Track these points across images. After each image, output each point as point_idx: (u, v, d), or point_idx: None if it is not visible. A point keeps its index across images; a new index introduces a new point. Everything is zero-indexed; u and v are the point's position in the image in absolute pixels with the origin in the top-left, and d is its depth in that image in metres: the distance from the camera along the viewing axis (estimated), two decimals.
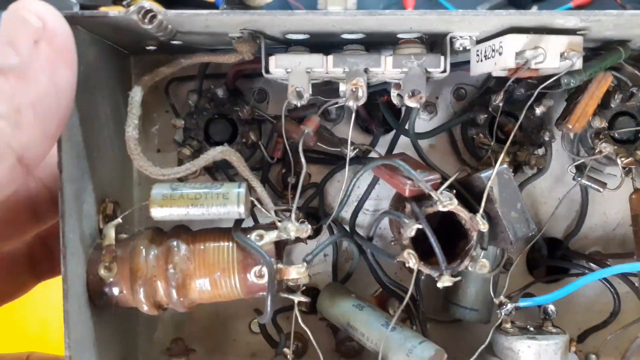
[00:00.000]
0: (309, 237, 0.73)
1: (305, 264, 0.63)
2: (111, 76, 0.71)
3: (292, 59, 0.63)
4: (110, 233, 0.64)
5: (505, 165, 0.63)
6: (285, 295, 0.65)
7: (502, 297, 0.71)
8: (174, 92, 0.78)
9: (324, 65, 0.63)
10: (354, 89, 0.62)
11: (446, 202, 0.60)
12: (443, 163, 0.78)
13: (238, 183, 0.63)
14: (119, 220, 0.65)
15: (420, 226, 0.60)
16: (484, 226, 0.60)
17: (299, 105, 0.62)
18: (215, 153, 0.60)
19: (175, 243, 0.63)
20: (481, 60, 0.67)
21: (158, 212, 0.62)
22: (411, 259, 0.61)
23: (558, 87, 0.66)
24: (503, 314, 0.69)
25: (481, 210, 0.61)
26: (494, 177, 0.62)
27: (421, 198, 0.63)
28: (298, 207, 0.68)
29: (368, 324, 0.66)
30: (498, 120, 0.73)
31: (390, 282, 0.73)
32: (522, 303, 0.68)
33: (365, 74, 0.62)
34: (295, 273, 0.62)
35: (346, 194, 0.69)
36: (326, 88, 0.72)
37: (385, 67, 0.63)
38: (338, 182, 0.80)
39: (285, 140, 0.71)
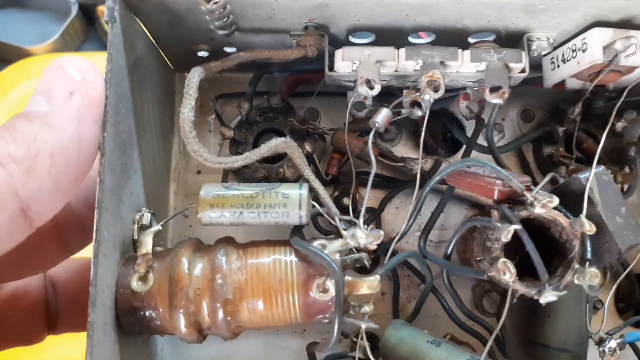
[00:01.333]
0: (366, 270, 0.64)
1: (377, 276, 0.53)
2: (157, 84, 0.66)
3: (360, 50, 0.58)
4: (148, 240, 0.55)
5: (602, 167, 0.56)
6: (351, 321, 0.54)
7: (601, 333, 0.59)
8: (220, 111, 0.72)
9: (395, 58, 0.58)
10: (429, 82, 0.56)
11: (545, 201, 0.51)
12: None
13: (299, 184, 0.55)
14: (159, 227, 0.56)
15: (517, 226, 0.51)
16: (590, 227, 0.51)
17: (368, 97, 0.56)
18: (278, 142, 0.53)
19: (224, 250, 0.54)
20: (558, 67, 0.63)
21: (207, 215, 0.53)
22: (507, 270, 0.51)
23: None
24: (607, 351, 0.57)
25: (584, 211, 0.52)
26: (593, 178, 0.54)
27: (510, 206, 0.55)
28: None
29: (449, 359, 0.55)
30: (576, 135, 0.66)
31: (469, 314, 0.61)
32: (630, 338, 0.57)
33: (441, 66, 0.57)
34: (367, 287, 0.52)
35: (415, 210, 0.60)
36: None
37: (463, 61, 0.58)
38: (397, 209, 0.71)
39: (348, 149, 0.63)
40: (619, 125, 0.67)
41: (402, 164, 0.66)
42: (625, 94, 0.61)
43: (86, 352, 0.46)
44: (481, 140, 0.67)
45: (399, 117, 0.65)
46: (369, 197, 0.71)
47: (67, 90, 0.47)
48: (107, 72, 0.50)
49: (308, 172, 0.56)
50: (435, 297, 0.65)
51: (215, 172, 0.70)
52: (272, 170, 0.66)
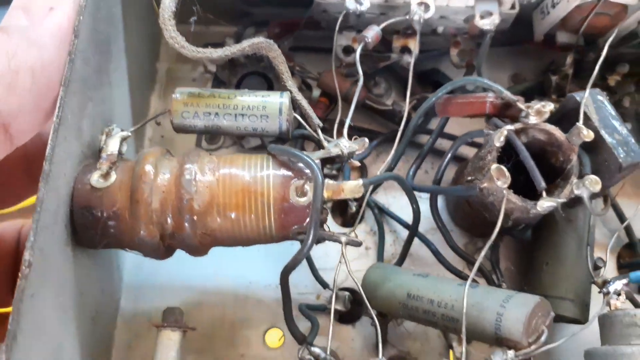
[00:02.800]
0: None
1: (360, 180, 0.48)
2: (147, 26, 0.64)
3: None
4: (114, 143, 0.51)
5: (597, 89, 0.53)
6: (331, 234, 0.49)
7: (604, 276, 0.54)
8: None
9: None
10: (420, 3, 0.56)
11: (539, 106, 0.49)
12: None
13: (280, 92, 0.52)
14: (128, 133, 0.53)
15: (510, 127, 0.48)
16: (587, 133, 0.48)
17: (357, 11, 0.55)
18: (260, 40, 0.51)
19: (196, 152, 0.50)
20: (547, 14, 0.62)
21: (180, 115, 0.50)
22: (501, 175, 0.47)
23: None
24: (611, 292, 0.52)
25: (581, 120, 0.49)
26: (588, 97, 0.52)
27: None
28: None
29: (438, 287, 0.49)
30: (568, 89, 0.65)
31: (459, 251, 0.56)
32: (635, 276, 0.52)
33: None
34: (349, 191, 0.48)
35: (403, 144, 0.57)
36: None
37: None
38: (378, 156, 0.68)
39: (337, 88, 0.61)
40: (613, 79, 0.65)
41: (390, 107, 0.64)
42: (610, 40, 0.60)
43: (30, 232, 0.41)
44: None
45: (389, 62, 0.64)
46: None
47: (47, 5, 0.45)
48: None
49: (290, 83, 0.53)
50: (422, 242, 0.60)
51: None
52: None
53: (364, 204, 0.55)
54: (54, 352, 0.45)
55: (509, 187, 0.49)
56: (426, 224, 0.63)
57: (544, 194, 0.47)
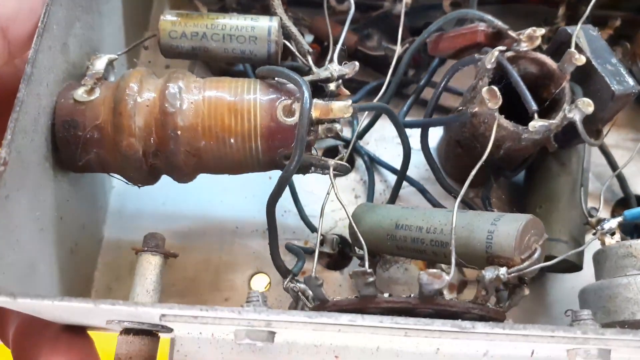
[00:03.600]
0: (342, 173, 0.59)
1: (349, 100, 0.47)
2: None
3: None
4: (100, 64, 0.50)
5: (590, 25, 0.53)
6: (319, 159, 0.48)
7: (598, 215, 0.53)
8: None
9: None
10: None
11: (529, 31, 0.48)
12: None
13: (269, 17, 0.51)
14: (115, 56, 0.52)
15: (501, 48, 0.47)
16: (578, 57, 0.47)
17: None
18: None
19: (182, 72, 0.49)
20: None
21: (167, 35, 0.49)
22: (492, 96, 0.46)
23: None
24: (606, 229, 0.51)
25: (572, 46, 0.49)
26: (579, 30, 0.51)
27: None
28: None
29: (427, 215, 0.48)
30: None
31: (449, 188, 0.55)
32: (630, 214, 0.51)
33: None
34: (338, 110, 0.47)
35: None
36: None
37: None
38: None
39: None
40: (605, 33, 0.65)
41: (382, 53, 0.63)
42: None
43: (8, 130, 0.40)
44: None
45: (381, 11, 0.64)
46: None
47: None
48: None
49: (280, 10, 0.52)
50: (411, 185, 0.59)
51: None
52: None
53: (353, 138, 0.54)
54: (26, 269, 0.43)
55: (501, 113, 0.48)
56: (416, 173, 0.63)
57: (535, 116, 0.46)
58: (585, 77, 0.50)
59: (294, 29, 0.52)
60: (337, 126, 0.52)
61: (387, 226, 0.50)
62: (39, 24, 0.43)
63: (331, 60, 0.50)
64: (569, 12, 0.64)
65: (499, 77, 0.49)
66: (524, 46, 0.49)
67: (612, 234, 0.51)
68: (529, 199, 0.57)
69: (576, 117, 0.46)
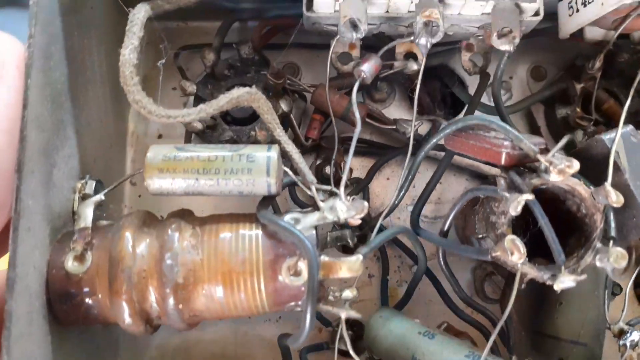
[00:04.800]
0: (349, 250, 0.56)
1: (360, 256, 0.44)
2: (107, 31, 0.56)
3: None
4: (87, 212, 0.46)
5: (631, 126, 0.47)
6: (328, 309, 0.46)
7: (621, 324, 0.51)
8: (184, 65, 0.63)
9: None
10: (427, 22, 0.47)
11: (563, 166, 0.42)
12: None
13: (267, 146, 0.46)
14: (101, 196, 0.48)
15: (529, 197, 0.42)
16: (617, 199, 0.42)
17: (353, 39, 0.47)
18: (240, 93, 0.44)
19: (176, 225, 0.45)
20: (577, 11, 0.53)
21: (156, 181, 0.44)
22: (516, 250, 0.42)
23: None
24: (628, 345, 0.49)
25: (610, 179, 0.43)
26: (619, 139, 0.45)
27: (520, 172, 0.46)
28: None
29: (444, 356, 0.46)
30: (596, 94, 0.57)
31: (469, 301, 0.53)
32: None
33: (440, 4, 0.48)
34: (347, 269, 0.44)
35: (407, 179, 0.51)
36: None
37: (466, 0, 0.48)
38: (387, 180, 0.62)
39: (329, 107, 0.54)
40: None
41: (394, 127, 0.57)
42: None
43: (1, 347, 0.38)
44: (485, 100, 0.58)
45: (391, 71, 0.57)
46: (355, 165, 0.63)
47: None
48: (33, 4, 0.41)
49: (279, 132, 0.47)
50: (429, 280, 0.56)
51: (179, 136, 0.60)
52: (242, 133, 0.57)
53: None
54: None
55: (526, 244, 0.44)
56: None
57: (562, 269, 0.42)
58: (623, 197, 0.45)
59: (296, 156, 0.47)
60: (347, 233, 0.49)
61: (404, 356, 0.49)
62: (12, 213, 0.39)
63: (337, 185, 0.45)
64: (606, 56, 0.56)
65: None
66: (554, 177, 0.43)
67: (635, 345, 0.49)
68: (550, 294, 0.55)
69: (607, 268, 0.43)
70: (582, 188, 0.44)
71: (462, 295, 0.52)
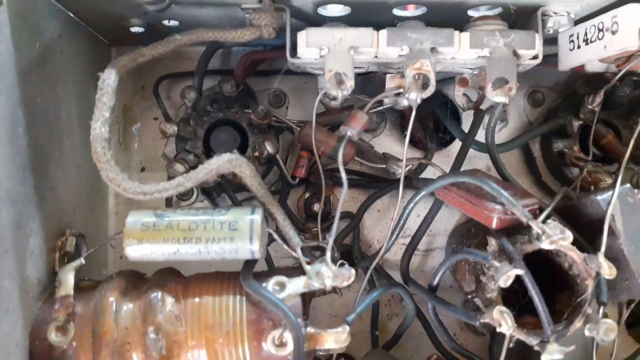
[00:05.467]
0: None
1: (346, 327, 0.43)
2: (84, 69, 0.53)
3: (330, 34, 0.45)
4: (68, 279, 0.45)
5: (628, 185, 0.45)
6: None
7: None
8: (165, 94, 0.60)
9: (374, 43, 0.45)
10: (417, 75, 0.44)
11: (557, 237, 0.41)
12: None
13: (250, 209, 0.44)
14: (82, 260, 0.46)
15: (520, 272, 0.41)
16: (610, 271, 0.41)
17: (339, 97, 0.44)
18: (220, 162, 0.42)
19: (158, 295, 0.44)
20: (578, 47, 0.50)
21: (135, 250, 0.43)
22: (505, 321, 0.42)
23: None
24: None
25: (603, 248, 0.42)
26: (615, 202, 0.43)
27: (511, 232, 0.45)
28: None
29: None
30: (594, 129, 0.55)
31: (456, 347, 0.53)
32: None
33: (432, 54, 0.45)
34: (334, 341, 0.43)
35: (398, 228, 0.50)
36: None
37: (460, 46, 0.45)
38: (378, 212, 0.61)
39: (315, 153, 0.52)
40: None
41: (384, 166, 0.55)
42: None
43: None
44: (480, 133, 0.56)
45: (381, 107, 0.54)
46: (346, 198, 0.61)
47: None
48: None
49: (263, 193, 0.45)
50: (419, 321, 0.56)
51: (162, 170, 0.58)
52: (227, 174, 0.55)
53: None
54: None
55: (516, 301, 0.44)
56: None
57: (550, 338, 0.42)
58: (616, 264, 0.44)
59: (280, 219, 0.45)
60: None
61: None
62: None
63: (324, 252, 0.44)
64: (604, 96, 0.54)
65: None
66: (546, 245, 0.42)
67: None
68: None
69: (596, 337, 0.42)
70: (574, 254, 0.43)
71: (452, 345, 0.52)
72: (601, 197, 0.44)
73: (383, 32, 0.45)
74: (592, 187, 0.53)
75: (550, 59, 0.53)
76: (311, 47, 0.45)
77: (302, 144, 0.55)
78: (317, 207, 0.57)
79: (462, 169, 0.53)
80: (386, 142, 0.61)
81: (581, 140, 0.56)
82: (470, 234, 0.52)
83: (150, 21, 0.52)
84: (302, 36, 0.45)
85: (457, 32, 0.45)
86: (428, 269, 0.61)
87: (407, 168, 0.54)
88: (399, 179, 0.49)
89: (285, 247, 0.45)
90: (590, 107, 0.54)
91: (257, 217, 0.43)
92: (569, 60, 0.52)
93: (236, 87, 0.54)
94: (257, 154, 0.55)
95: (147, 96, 0.59)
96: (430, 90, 0.44)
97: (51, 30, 0.47)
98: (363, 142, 0.57)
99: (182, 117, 0.56)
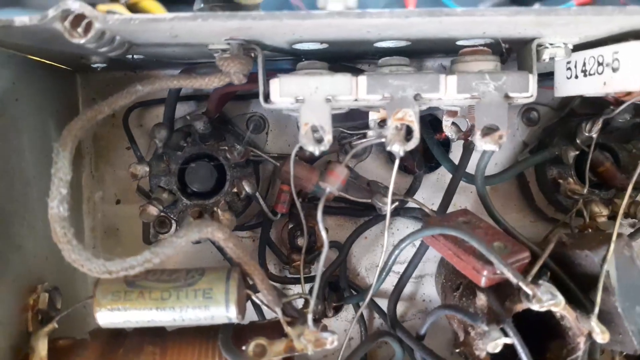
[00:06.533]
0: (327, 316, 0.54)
1: None
2: (44, 106, 0.50)
3: (304, 82, 0.41)
4: (41, 346, 0.44)
5: (625, 238, 0.42)
6: None
7: None
8: (137, 121, 0.57)
9: (352, 91, 0.42)
10: (399, 126, 0.41)
11: (548, 303, 0.39)
12: (508, 211, 0.58)
13: (226, 271, 0.42)
14: (54, 325, 0.44)
15: (509, 341, 0.39)
16: (602, 336, 0.40)
17: (316, 153, 0.41)
18: (189, 234, 0.39)
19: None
20: (575, 77, 0.46)
21: (107, 317, 0.41)
22: None
23: None
24: None
25: (596, 310, 0.40)
26: (611, 257, 0.41)
27: (501, 286, 0.43)
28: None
29: None
30: (591, 157, 0.52)
31: None
32: None
33: (416, 101, 0.41)
34: None
35: (384, 270, 0.48)
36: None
37: (447, 92, 0.42)
38: (365, 239, 0.59)
39: (294, 192, 0.49)
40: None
41: (369, 201, 0.53)
42: None
43: None
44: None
45: (364, 141, 0.51)
46: (330, 224, 0.59)
47: None
48: None
49: (240, 256, 0.42)
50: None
51: (138, 202, 0.55)
52: (205, 209, 0.53)
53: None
54: None
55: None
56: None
57: None
58: (609, 317, 0.42)
59: (258, 278, 0.43)
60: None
61: None
62: None
63: (306, 311, 0.42)
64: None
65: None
66: (536, 307, 0.40)
67: None
68: None
69: None
70: (568, 313, 0.41)
71: None
72: (596, 257, 0.42)
73: (362, 79, 0.41)
74: (587, 219, 0.51)
75: (546, 80, 0.50)
76: (286, 96, 0.42)
77: (282, 181, 0.52)
78: (300, 242, 0.55)
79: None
80: (372, 167, 0.58)
81: (577, 164, 0.53)
82: (459, 272, 0.50)
83: (113, 58, 0.48)
84: (274, 84, 0.42)
85: (442, 77, 0.41)
86: (418, 296, 0.59)
87: (395, 204, 0.52)
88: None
89: (268, 307, 0.43)
90: (587, 134, 0.51)
91: (233, 282, 0.41)
92: (565, 88, 0.48)
93: (209, 124, 0.50)
94: (235, 190, 0.52)
95: (118, 124, 0.56)
96: (414, 142, 0.41)
97: (2, 80, 0.43)
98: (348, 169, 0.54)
99: (155, 153, 0.52)
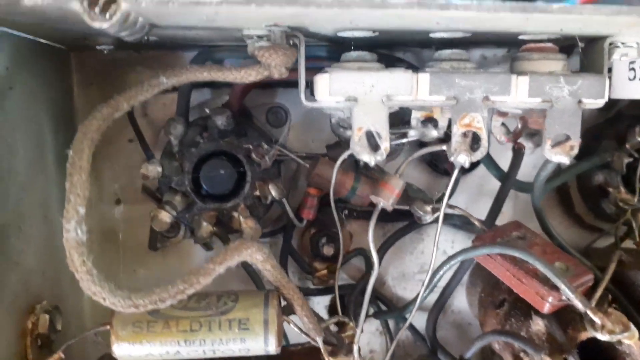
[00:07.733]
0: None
1: None
2: (37, 95, 0.42)
3: (360, 79, 0.36)
4: None
5: None
6: None
7: None
8: (141, 111, 0.50)
9: (413, 91, 0.36)
10: (466, 132, 0.36)
11: (622, 335, 0.35)
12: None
13: (263, 297, 0.37)
14: (60, 355, 0.38)
15: None
16: None
17: (371, 163, 0.36)
18: (233, 262, 0.33)
19: None
20: (638, 79, 0.42)
21: (126, 351, 0.36)
22: None
23: None
24: None
25: None
26: None
27: (560, 310, 0.39)
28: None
29: None
30: None
31: None
32: None
33: (484, 104, 0.36)
34: None
35: (429, 287, 0.44)
36: None
37: (517, 95, 0.37)
38: (393, 246, 0.54)
39: (332, 201, 0.43)
40: None
41: (407, 207, 0.48)
42: None
43: None
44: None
45: (405, 140, 0.46)
46: (355, 229, 0.53)
47: None
48: None
49: (279, 279, 0.37)
50: None
51: (141, 202, 0.49)
52: (223, 215, 0.46)
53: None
54: None
55: None
56: None
57: None
58: None
59: (297, 304, 0.37)
60: None
61: None
62: None
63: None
64: None
65: None
66: (604, 337, 0.37)
67: None
68: None
69: None
70: (634, 342, 0.38)
71: None
72: None
73: (424, 77, 0.36)
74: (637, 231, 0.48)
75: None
76: (335, 95, 0.36)
77: (312, 185, 0.47)
78: (327, 250, 0.50)
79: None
80: (406, 168, 0.52)
81: (627, 172, 0.50)
82: (503, 287, 0.46)
83: (126, 40, 0.41)
84: (322, 80, 0.36)
85: (514, 77, 0.36)
86: (447, 310, 0.55)
87: (436, 215, 0.47)
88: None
89: (305, 336, 0.38)
90: (638, 139, 0.47)
91: (272, 310, 0.36)
92: (624, 90, 0.44)
93: (232, 118, 0.44)
94: (257, 193, 0.46)
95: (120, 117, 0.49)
96: (482, 151, 0.36)
97: None
98: (377, 171, 0.49)
99: (165, 149, 0.46)
